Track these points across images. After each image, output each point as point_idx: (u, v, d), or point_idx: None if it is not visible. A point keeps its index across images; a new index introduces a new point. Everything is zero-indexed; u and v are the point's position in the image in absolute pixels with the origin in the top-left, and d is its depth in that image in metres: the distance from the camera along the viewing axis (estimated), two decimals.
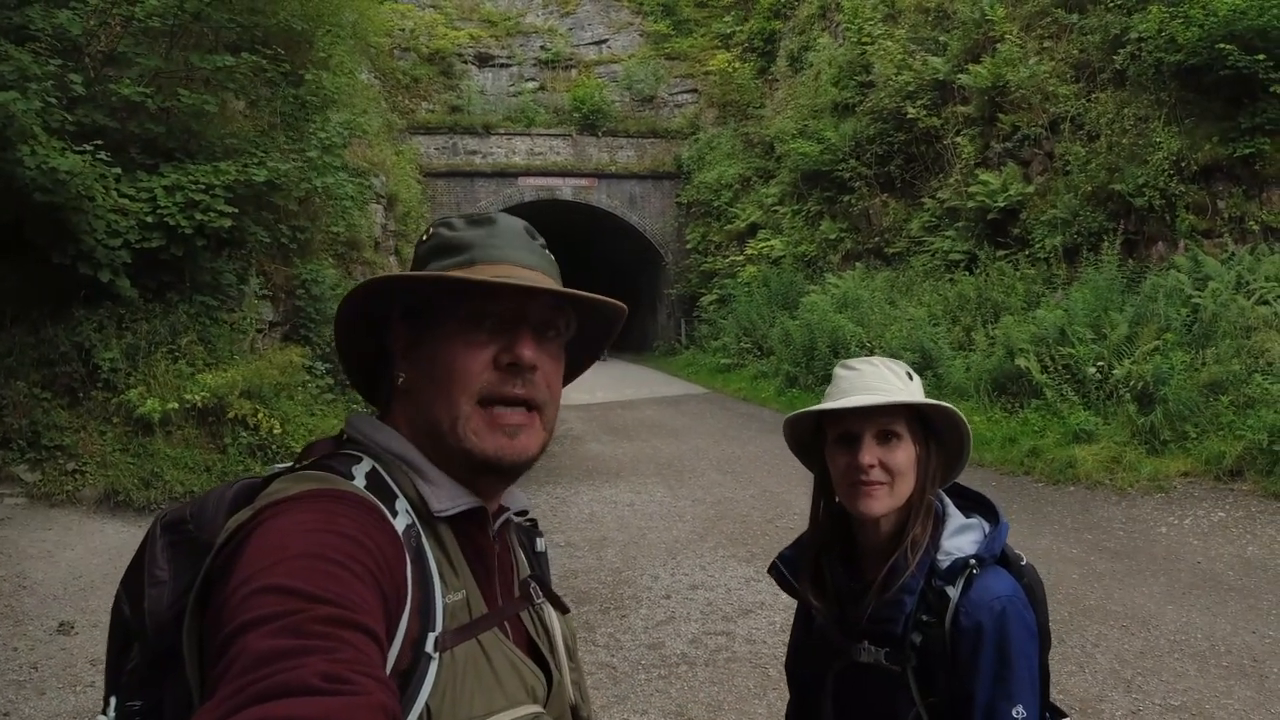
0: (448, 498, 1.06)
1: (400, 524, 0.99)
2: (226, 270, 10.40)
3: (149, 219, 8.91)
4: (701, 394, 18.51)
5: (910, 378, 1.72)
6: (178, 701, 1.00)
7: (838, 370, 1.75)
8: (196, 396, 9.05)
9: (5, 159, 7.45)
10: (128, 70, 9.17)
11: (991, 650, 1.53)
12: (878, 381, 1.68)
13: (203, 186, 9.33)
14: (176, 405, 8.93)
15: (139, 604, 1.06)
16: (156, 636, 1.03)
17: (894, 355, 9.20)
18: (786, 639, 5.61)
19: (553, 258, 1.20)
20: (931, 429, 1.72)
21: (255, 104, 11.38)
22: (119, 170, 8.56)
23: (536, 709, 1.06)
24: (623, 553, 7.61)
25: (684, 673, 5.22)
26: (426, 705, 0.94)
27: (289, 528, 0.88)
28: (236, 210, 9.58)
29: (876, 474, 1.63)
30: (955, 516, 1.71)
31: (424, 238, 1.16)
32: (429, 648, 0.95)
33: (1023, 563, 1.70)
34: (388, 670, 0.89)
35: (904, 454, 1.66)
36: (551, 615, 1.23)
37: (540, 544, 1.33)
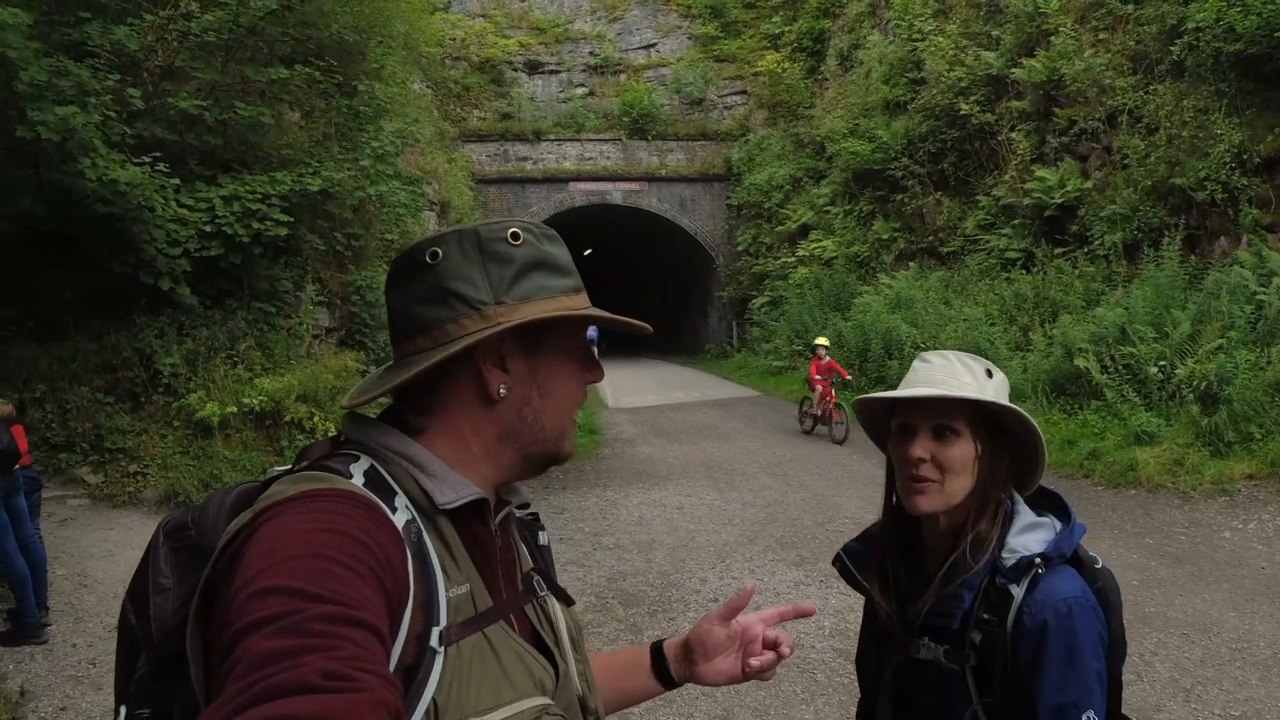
0: (451, 490, 1.06)
1: (400, 520, 0.99)
2: (283, 277, 10.65)
3: (208, 228, 9.14)
4: (752, 397, 18.43)
5: (990, 375, 1.65)
6: (185, 708, 1.00)
7: (915, 361, 1.73)
8: (254, 400, 9.28)
9: (67, 171, 7.70)
10: (185, 84, 9.42)
11: (1058, 652, 1.47)
12: (945, 375, 1.64)
13: (259, 196, 9.55)
14: (235, 409, 9.16)
15: (144, 611, 1.06)
16: (163, 643, 1.03)
17: None
18: (834, 644, 5.55)
19: None
20: (1003, 431, 1.66)
21: (310, 115, 11.62)
22: (178, 181, 8.79)
23: (544, 700, 1.06)
24: (671, 555, 7.59)
25: None
26: (433, 700, 0.94)
27: (287, 529, 0.88)
28: (292, 219, 9.79)
29: (927, 469, 1.60)
30: (1024, 514, 1.65)
31: (512, 239, 1.12)
32: (434, 642, 0.96)
33: (1098, 565, 1.63)
34: (392, 666, 0.89)
35: (959, 451, 1.60)
36: (555, 608, 1.23)
37: (543, 537, 1.32)
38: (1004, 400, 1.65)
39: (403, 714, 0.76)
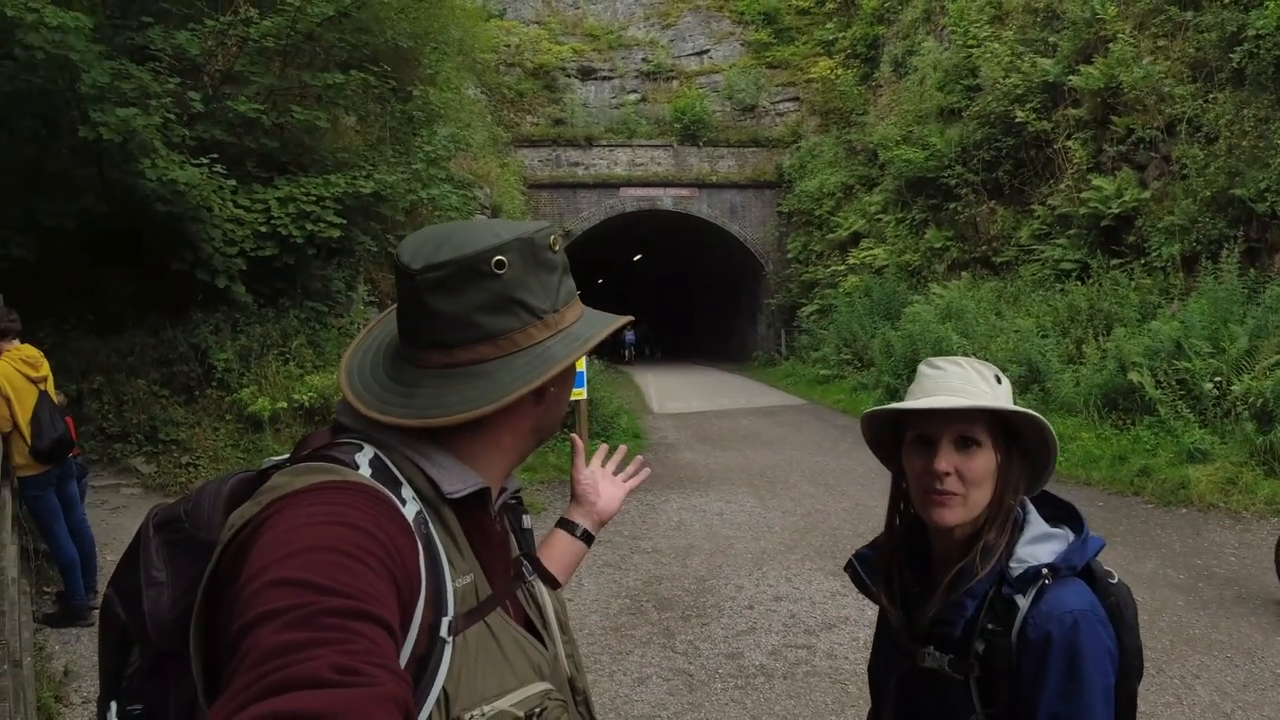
0: (458, 479, 1.07)
1: (410, 512, 0.99)
2: (336, 278, 10.86)
3: (263, 228, 9.37)
4: (799, 405, 18.30)
5: (999, 381, 1.61)
6: (181, 703, 1.01)
7: (922, 368, 1.67)
8: (304, 396, 9.48)
9: (128, 171, 7.97)
10: (244, 88, 9.67)
11: (1060, 665, 1.44)
12: (961, 383, 1.58)
13: (314, 198, 9.76)
14: (285, 404, 9.37)
15: (136, 606, 1.05)
16: (159, 638, 1.03)
17: (1000, 368, 8.87)
18: (868, 656, 5.52)
19: None
20: (1015, 437, 1.62)
21: (365, 119, 11.84)
22: (235, 183, 9.03)
23: (546, 685, 1.08)
24: (708, 561, 7.58)
25: (761, 684, 5.17)
26: (444, 689, 0.95)
27: (298, 521, 0.88)
28: (345, 221, 9.99)
29: (951, 482, 1.55)
30: (1036, 524, 1.60)
31: (553, 246, 1.15)
32: (443, 632, 0.96)
33: (1113, 580, 1.59)
34: (406, 657, 0.90)
35: (982, 462, 1.56)
36: (542, 590, 1.25)
37: (526, 520, 1.34)
38: (1013, 405, 1.61)
39: (412, 708, 0.76)
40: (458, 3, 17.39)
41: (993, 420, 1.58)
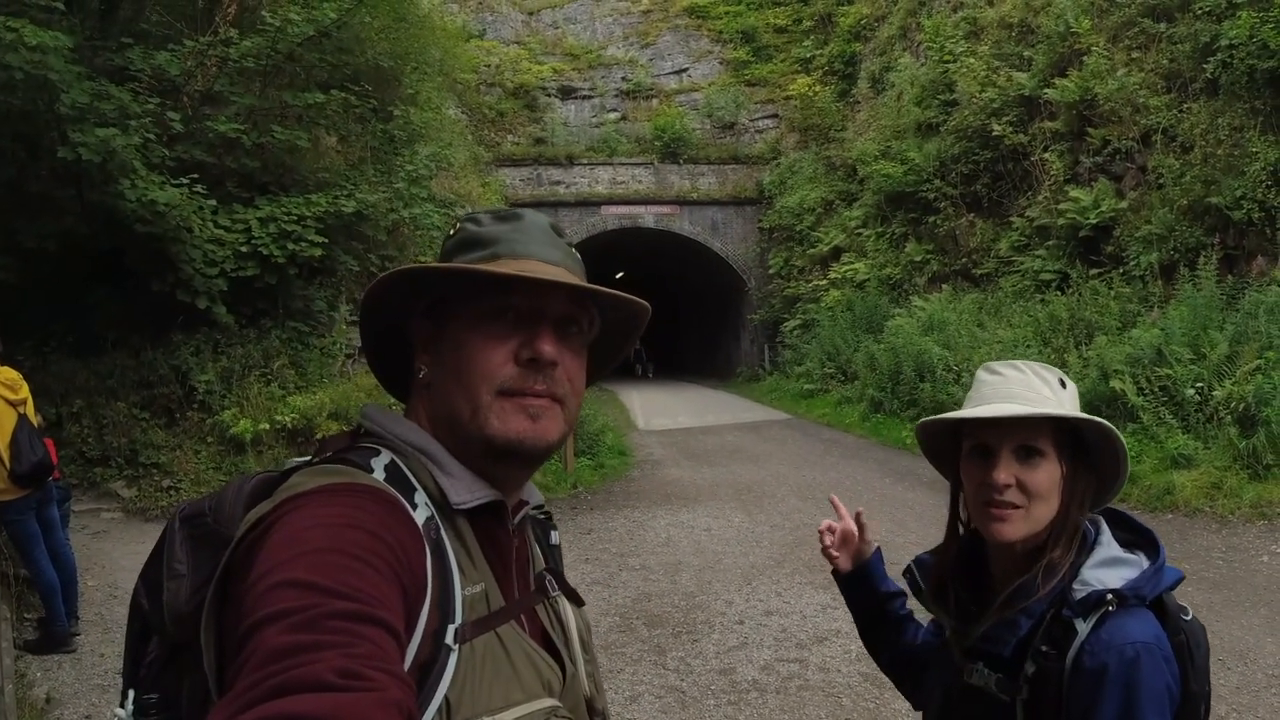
0: (466, 490, 1.06)
1: (420, 516, 0.98)
2: (318, 297, 10.82)
3: (244, 249, 9.33)
4: (783, 420, 18.31)
5: (1063, 385, 1.54)
6: (194, 695, 1.01)
7: (980, 374, 1.59)
8: (287, 418, 9.41)
9: (107, 192, 7.93)
10: (224, 108, 9.67)
11: (1115, 700, 1.34)
12: (1023, 389, 1.51)
13: (295, 218, 9.74)
14: (268, 426, 9.30)
15: (157, 597, 1.07)
16: (176, 629, 1.04)
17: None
18: (861, 669, 5.47)
19: (578, 256, 1.19)
20: (1082, 446, 1.53)
21: (346, 139, 11.84)
22: (215, 203, 9.00)
23: (553, 703, 1.05)
24: (697, 577, 7.55)
25: (754, 699, 5.13)
26: (446, 697, 0.93)
27: (309, 522, 0.88)
28: (327, 240, 9.97)
29: (1012, 495, 1.47)
30: (1107, 547, 1.51)
31: (450, 233, 1.15)
32: (449, 639, 0.95)
33: (1186, 617, 1.49)
34: (409, 662, 0.89)
35: (1046, 474, 1.48)
36: (566, 608, 1.22)
37: (554, 537, 1.31)
38: (1079, 412, 1.54)
39: (415, 714, 0.76)
40: (438, 23, 17.53)
41: (1057, 429, 1.51)
